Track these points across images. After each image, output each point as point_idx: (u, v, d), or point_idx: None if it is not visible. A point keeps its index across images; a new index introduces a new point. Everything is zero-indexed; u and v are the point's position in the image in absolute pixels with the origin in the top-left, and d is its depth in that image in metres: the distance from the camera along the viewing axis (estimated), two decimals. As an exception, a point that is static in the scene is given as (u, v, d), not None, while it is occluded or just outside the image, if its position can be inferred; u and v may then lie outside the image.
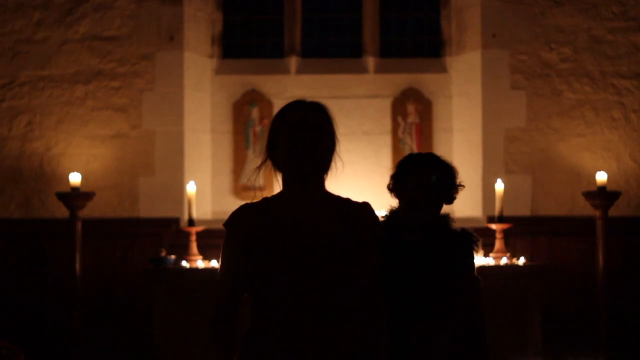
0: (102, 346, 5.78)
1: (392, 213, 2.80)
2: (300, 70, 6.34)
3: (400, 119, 6.22)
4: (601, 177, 5.51)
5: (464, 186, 2.80)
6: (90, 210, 5.69)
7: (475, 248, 2.81)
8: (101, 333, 5.77)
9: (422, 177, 2.70)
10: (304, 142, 2.15)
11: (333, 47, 6.53)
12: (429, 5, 6.48)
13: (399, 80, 6.30)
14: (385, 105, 6.24)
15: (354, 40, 6.50)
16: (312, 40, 6.50)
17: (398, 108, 6.23)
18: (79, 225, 5.45)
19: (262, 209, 2.24)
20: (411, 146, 6.15)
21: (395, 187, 2.79)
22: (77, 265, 5.45)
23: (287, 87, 6.25)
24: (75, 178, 5.51)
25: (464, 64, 6.20)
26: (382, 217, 2.73)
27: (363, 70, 6.38)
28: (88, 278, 5.70)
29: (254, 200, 2.28)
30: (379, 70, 6.38)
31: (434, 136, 6.17)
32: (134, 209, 5.90)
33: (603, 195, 5.45)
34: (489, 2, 6.08)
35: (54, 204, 5.80)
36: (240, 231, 2.19)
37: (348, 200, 2.24)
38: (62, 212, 5.68)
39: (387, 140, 6.18)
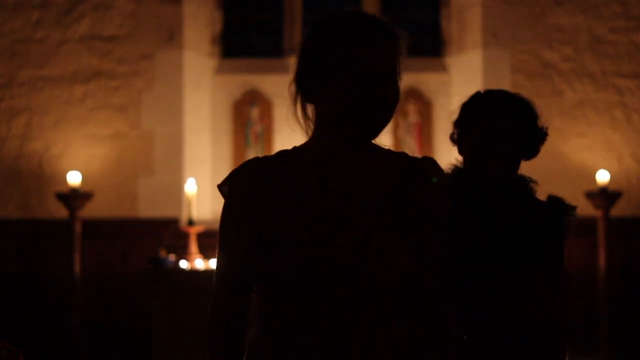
0: (102, 346, 5.77)
1: (455, 172, 2.17)
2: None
3: (400, 119, 6.21)
4: (602, 177, 5.50)
5: (547, 133, 2.15)
6: (89, 211, 5.67)
7: (569, 227, 2.09)
8: (101, 333, 5.76)
9: (490, 125, 2.06)
10: (377, 99, 1.57)
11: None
12: (429, 4, 6.46)
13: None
14: (386, 105, 6.23)
15: (354, 39, 6.48)
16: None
17: (398, 108, 6.21)
18: (78, 225, 5.44)
19: (278, 164, 1.59)
20: (411, 146, 6.14)
21: (460, 137, 2.15)
22: (76, 266, 5.44)
23: (287, 86, 6.23)
24: (74, 178, 5.50)
25: (465, 64, 6.19)
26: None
27: (363, 69, 6.37)
28: (87, 278, 5.68)
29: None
30: (379, 69, 6.36)
31: (434, 136, 6.16)
32: (133, 209, 5.88)
33: (604, 196, 5.44)
34: (489, 2, 6.06)
35: (53, 204, 5.78)
36: (247, 195, 1.56)
37: (404, 154, 1.67)
38: (61, 212, 5.67)
39: (387, 140, 6.15)
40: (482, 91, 2.17)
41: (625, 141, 5.98)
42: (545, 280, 2.06)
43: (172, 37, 6.02)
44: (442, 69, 6.32)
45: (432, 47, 6.43)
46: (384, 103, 1.58)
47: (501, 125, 2.07)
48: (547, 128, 2.13)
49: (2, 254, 5.90)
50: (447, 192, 1.65)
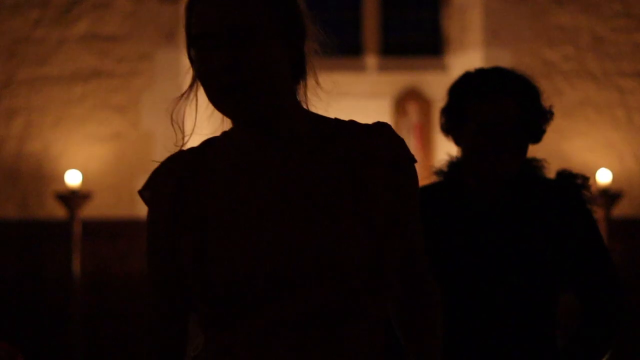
0: (102, 347, 5.75)
1: (452, 167, 1.90)
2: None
3: (400, 119, 6.20)
4: (603, 177, 5.48)
5: (553, 113, 1.90)
6: (89, 211, 5.66)
7: (590, 202, 1.88)
8: (100, 334, 5.75)
9: (494, 105, 1.77)
10: (217, 70, 1.31)
11: (333, 45, 6.49)
12: (430, 3, 6.45)
13: (399, 79, 6.28)
14: (385, 104, 6.22)
15: (354, 38, 6.47)
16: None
17: (398, 107, 6.20)
18: (78, 225, 5.42)
19: (205, 154, 1.38)
20: (411, 146, 6.13)
21: (451, 126, 1.90)
22: (76, 266, 5.42)
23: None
24: (74, 178, 5.48)
25: (466, 63, 6.17)
26: (436, 171, 1.92)
27: (363, 68, 6.35)
28: (87, 278, 5.67)
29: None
30: (379, 69, 6.35)
31: (434, 136, 6.15)
32: (133, 209, 5.86)
33: (605, 196, 5.42)
34: (490, 1, 6.05)
35: (53, 204, 5.77)
36: (174, 195, 1.34)
37: (352, 123, 1.38)
38: (60, 212, 5.66)
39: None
40: (472, 70, 1.89)
41: (626, 141, 5.97)
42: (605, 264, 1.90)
43: (171, 36, 6.01)
44: (443, 68, 6.31)
45: (432, 46, 6.41)
46: (230, 73, 1.26)
47: (507, 106, 1.78)
48: (552, 106, 1.89)
49: (1, 254, 5.89)
50: (409, 162, 1.34)
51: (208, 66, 1.28)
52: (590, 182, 1.93)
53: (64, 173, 5.73)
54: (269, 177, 1.31)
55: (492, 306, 1.81)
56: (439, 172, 1.95)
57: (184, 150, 1.40)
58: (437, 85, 6.28)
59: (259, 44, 1.27)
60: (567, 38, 6.00)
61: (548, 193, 1.87)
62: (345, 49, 6.46)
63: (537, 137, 1.90)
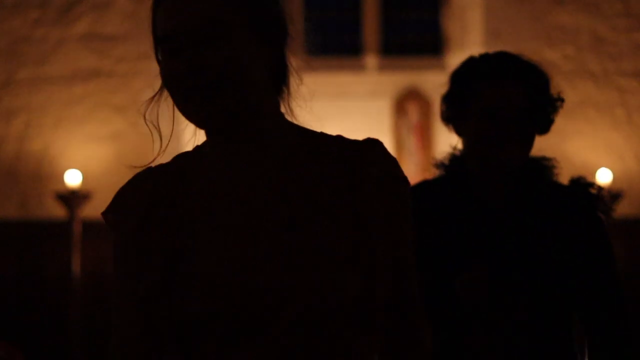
0: (102, 347, 5.74)
1: (453, 160, 1.76)
2: (300, 69, 6.30)
3: (400, 118, 6.19)
4: (604, 177, 5.47)
5: (563, 100, 1.79)
6: (89, 211, 5.65)
7: (606, 211, 1.72)
8: (100, 334, 5.74)
9: (500, 91, 1.63)
10: (186, 74, 1.19)
11: (333, 45, 6.49)
12: (430, 3, 6.45)
13: (399, 79, 6.28)
14: (385, 104, 6.22)
15: (354, 38, 6.47)
16: (313, 38, 6.46)
17: (398, 107, 6.20)
18: (78, 225, 5.42)
19: (178, 172, 1.24)
20: (411, 146, 6.12)
21: (453, 114, 1.74)
22: (76, 266, 5.42)
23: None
24: (74, 178, 5.48)
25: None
26: (437, 164, 1.77)
27: (363, 68, 6.35)
28: (87, 278, 5.66)
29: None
30: (379, 68, 6.35)
31: (435, 136, 6.15)
32: (133, 209, 5.87)
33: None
34: (490, 1, 6.04)
35: (52, 204, 5.77)
36: (141, 221, 1.21)
37: (338, 138, 1.23)
38: (60, 212, 5.65)
39: (387, 140, 6.15)
40: (476, 55, 1.77)
41: (626, 141, 5.96)
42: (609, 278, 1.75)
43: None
44: (443, 68, 6.31)
45: (432, 46, 6.41)
46: (194, 76, 1.12)
47: (514, 91, 1.64)
48: (560, 93, 1.77)
49: (1, 254, 5.88)
50: (401, 184, 1.19)
51: (172, 69, 1.15)
52: (604, 192, 1.79)
53: (63, 173, 5.73)
54: (247, 201, 1.14)
55: (497, 307, 1.66)
56: (440, 165, 1.78)
57: (152, 168, 1.27)
58: (437, 85, 6.28)
59: (227, 43, 1.13)
60: (567, 38, 6.00)
61: (560, 199, 1.74)
62: (345, 49, 6.46)
63: (544, 127, 1.77)
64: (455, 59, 6.28)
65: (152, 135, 1.32)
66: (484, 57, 1.76)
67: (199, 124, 1.19)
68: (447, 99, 1.79)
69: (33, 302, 5.84)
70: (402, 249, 1.18)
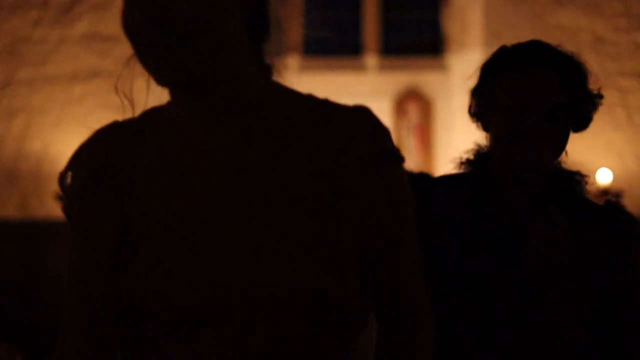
0: (101, 347, 5.75)
1: (478, 156, 1.58)
2: (300, 69, 6.31)
3: (400, 118, 6.19)
4: (604, 177, 5.47)
5: (602, 96, 1.61)
6: (88, 211, 5.66)
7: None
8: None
9: (533, 83, 1.45)
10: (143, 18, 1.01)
11: (333, 45, 6.50)
12: (430, 3, 6.45)
13: (399, 79, 6.28)
14: (385, 104, 6.21)
15: (354, 38, 6.47)
16: (313, 38, 6.47)
17: (398, 107, 6.20)
18: (78, 225, 5.42)
19: (142, 129, 1.08)
20: (411, 146, 6.13)
21: (481, 109, 1.57)
22: (76, 266, 5.42)
23: (287, 84, 6.23)
24: (73, 178, 5.48)
25: (465, 63, 6.17)
26: (462, 162, 1.59)
27: (363, 68, 6.35)
28: (87, 278, 5.67)
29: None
30: (379, 68, 6.35)
31: (434, 136, 6.15)
32: (133, 209, 5.88)
33: (606, 196, 5.42)
34: (490, 1, 6.04)
35: (52, 204, 5.77)
36: (90, 181, 1.03)
37: (324, 103, 1.04)
38: (60, 212, 5.64)
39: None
40: (508, 45, 1.60)
41: (626, 141, 5.96)
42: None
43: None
44: (443, 68, 6.31)
45: (432, 46, 6.41)
46: (155, 25, 0.95)
47: (546, 83, 1.47)
48: (600, 89, 1.60)
49: (1, 254, 5.88)
50: (393, 162, 1.01)
51: (131, 19, 0.98)
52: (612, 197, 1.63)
53: (64, 173, 5.73)
54: (209, 171, 0.97)
55: (517, 324, 1.46)
56: (466, 162, 1.59)
57: (116, 123, 1.11)
58: (437, 85, 6.28)
59: None
60: (567, 38, 6.00)
61: (592, 218, 1.54)
62: (345, 49, 6.46)
63: (581, 124, 1.56)
64: (455, 59, 6.28)
65: (124, 107, 1.12)
66: (516, 47, 1.58)
67: (160, 81, 1.03)
68: (475, 92, 1.62)
69: (33, 302, 5.84)
70: (397, 243, 1.01)
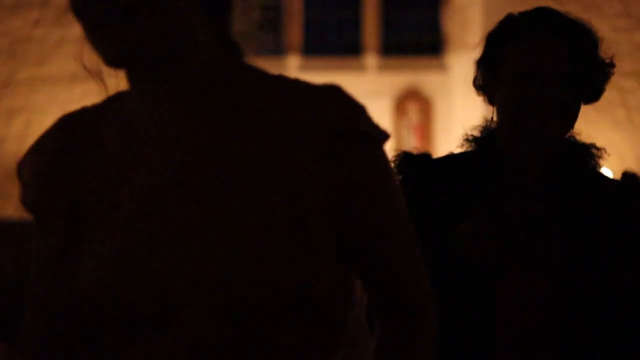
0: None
1: (485, 132, 1.47)
2: (300, 68, 6.31)
3: (400, 118, 6.19)
4: (603, 176, 5.49)
5: (614, 65, 1.47)
6: (89, 210, 5.67)
7: None
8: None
9: (529, 52, 1.38)
10: None
11: (333, 45, 6.49)
12: (430, 3, 6.45)
13: (399, 79, 6.28)
14: (385, 104, 6.21)
15: (354, 38, 6.47)
16: (313, 38, 6.46)
17: (398, 107, 6.20)
18: (78, 225, 5.43)
19: (95, 119, 1.02)
20: (411, 146, 6.14)
21: (486, 81, 1.48)
22: (76, 266, 5.43)
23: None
24: (73, 178, 5.49)
25: (466, 63, 6.18)
26: (468, 138, 1.47)
27: (363, 68, 6.35)
28: (87, 278, 5.68)
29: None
30: (379, 68, 6.35)
31: (434, 135, 6.15)
32: (133, 209, 5.89)
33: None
34: (490, 1, 6.05)
35: (53, 204, 5.78)
36: (40, 173, 1.00)
37: (294, 83, 0.95)
38: (60, 212, 5.67)
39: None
40: (514, 13, 1.51)
41: (626, 141, 5.96)
42: None
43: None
44: (443, 67, 6.31)
45: (432, 46, 6.41)
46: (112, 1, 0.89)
47: (553, 51, 1.38)
48: (612, 58, 1.47)
49: (1, 254, 5.88)
50: (368, 143, 0.89)
51: None
52: None
53: (64, 173, 5.74)
54: (162, 158, 0.90)
55: (532, 314, 1.38)
56: (471, 139, 1.47)
57: (82, 109, 1.06)
58: (437, 85, 6.28)
59: None
60: (567, 38, 6.01)
61: (607, 193, 1.45)
62: (345, 49, 6.46)
63: (592, 96, 1.48)
64: (455, 59, 6.28)
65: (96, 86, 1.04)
66: (522, 14, 1.47)
67: (108, 61, 0.94)
68: (480, 63, 1.50)
69: (33, 302, 5.85)
70: (381, 236, 0.91)
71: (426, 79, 6.27)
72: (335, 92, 0.91)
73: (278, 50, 6.43)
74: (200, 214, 0.87)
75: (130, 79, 0.97)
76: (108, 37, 0.91)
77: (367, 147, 0.89)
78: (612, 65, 1.47)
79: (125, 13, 0.89)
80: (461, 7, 6.27)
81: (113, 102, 1.01)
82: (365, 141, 0.89)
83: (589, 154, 1.52)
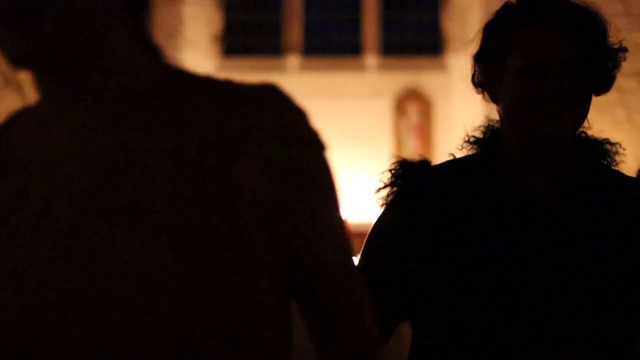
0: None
1: (489, 132, 1.36)
2: (300, 69, 6.31)
3: (400, 118, 6.19)
4: (603, 176, 5.49)
5: (625, 50, 1.40)
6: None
7: None
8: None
9: (533, 43, 1.27)
10: None
11: (333, 45, 6.50)
12: (430, 3, 6.45)
13: (399, 79, 6.28)
14: (385, 104, 6.21)
15: (354, 38, 6.47)
16: (313, 38, 6.47)
17: (398, 107, 6.20)
18: (78, 225, 5.44)
19: (10, 126, 0.92)
20: (411, 146, 6.12)
21: (485, 76, 1.36)
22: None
23: (287, 85, 6.24)
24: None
25: (466, 63, 6.18)
26: (470, 140, 1.35)
27: (363, 68, 6.35)
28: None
29: None
30: (379, 69, 6.35)
31: (434, 136, 6.14)
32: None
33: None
34: (490, 1, 6.05)
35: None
36: None
37: (225, 85, 0.87)
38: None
39: (387, 139, 6.15)
40: (513, 0, 1.35)
41: (626, 141, 5.95)
42: None
43: (171, 36, 6.01)
44: (443, 68, 6.31)
45: (432, 46, 6.41)
46: None
47: (559, 39, 1.27)
48: (622, 42, 1.37)
49: None
50: (308, 147, 0.83)
51: None
52: None
53: (63, 173, 5.74)
54: (69, 173, 0.82)
55: (540, 329, 1.27)
56: (473, 141, 1.36)
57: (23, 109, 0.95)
58: (437, 85, 6.28)
59: None
60: (567, 38, 6.01)
61: (623, 192, 1.36)
62: (345, 49, 6.46)
63: (602, 86, 1.36)
64: (455, 59, 6.28)
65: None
66: (521, 1, 1.33)
67: (13, 60, 0.82)
68: (477, 57, 1.37)
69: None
70: (316, 256, 0.82)
71: (426, 79, 6.27)
72: (271, 95, 0.85)
73: (278, 50, 6.43)
74: (117, 236, 0.78)
75: (41, 86, 0.86)
76: (11, 32, 0.81)
77: (303, 153, 0.82)
78: (623, 49, 1.38)
79: (31, 7, 0.79)
80: (461, 8, 6.28)
81: (21, 114, 0.91)
82: (301, 147, 0.82)
83: (602, 150, 1.41)
